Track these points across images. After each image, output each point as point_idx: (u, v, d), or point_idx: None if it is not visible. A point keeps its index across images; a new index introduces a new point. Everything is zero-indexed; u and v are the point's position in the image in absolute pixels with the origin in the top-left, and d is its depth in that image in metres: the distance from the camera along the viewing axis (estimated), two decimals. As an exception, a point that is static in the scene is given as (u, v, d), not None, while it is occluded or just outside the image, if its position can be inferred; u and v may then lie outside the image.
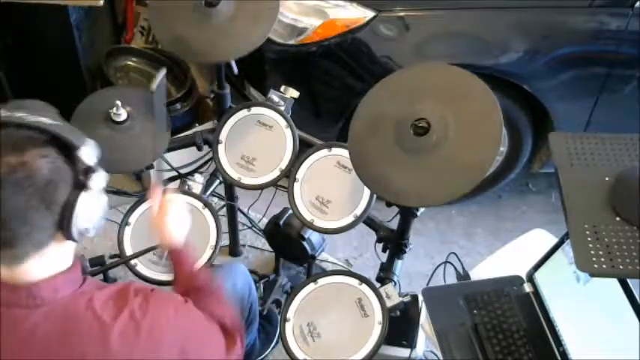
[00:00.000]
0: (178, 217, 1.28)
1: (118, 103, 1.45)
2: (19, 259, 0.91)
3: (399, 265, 1.52)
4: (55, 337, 0.92)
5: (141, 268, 1.47)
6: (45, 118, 0.90)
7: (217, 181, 1.72)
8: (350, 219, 1.44)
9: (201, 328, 1.07)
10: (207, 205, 1.54)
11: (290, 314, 1.41)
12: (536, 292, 1.50)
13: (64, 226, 0.91)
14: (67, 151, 0.91)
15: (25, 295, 0.92)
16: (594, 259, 1.05)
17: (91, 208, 0.95)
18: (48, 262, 0.94)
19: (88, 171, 0.94)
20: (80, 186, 0.92)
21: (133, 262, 1.47)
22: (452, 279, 1.64)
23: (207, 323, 1.09)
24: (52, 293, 0.93)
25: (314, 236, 1.80)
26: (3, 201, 0.85)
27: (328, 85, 2.27)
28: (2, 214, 0.86)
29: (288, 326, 1.39)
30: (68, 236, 0.93)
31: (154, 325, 0.96)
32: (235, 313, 1.23)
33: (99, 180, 0.96)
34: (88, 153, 0.94)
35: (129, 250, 1.48)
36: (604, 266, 1.04)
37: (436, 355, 1.73)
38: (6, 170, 0.84)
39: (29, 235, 0.89)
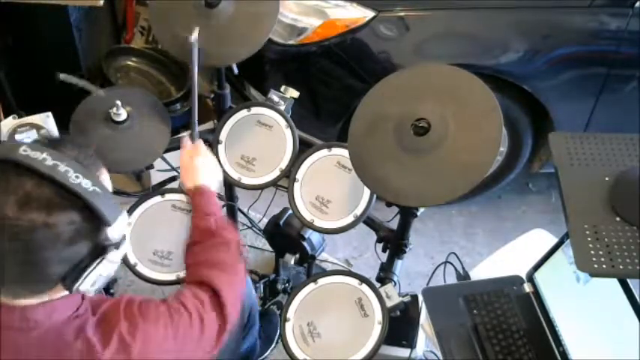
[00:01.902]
0: (209, 161, 1.27)
1: (118, 103, 1.45)
2: (15, 297, 0.90)
3: (399, 265, 1.52)
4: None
5: (141, 268, 1.47)
6: (87, 180, 0.85)
7: (217, 181, 1.72)
8: (350, 219, 1.44)
9: (191, 345, 1.05)
10: (207, 205, 1.54)
11: (290, 314, 1.40)
12: (536, 292, 1.50)
13: (66, 284, 0.89)
14: (97, 223, 0.87)
15: (19, 318, 0.90)
16: (594, 259, 1.05)
17: (100, 274, 0.92)
18: (44, 297, 0.92)
19: (110, 245, 0.91)
20: (97, 254, 0.90)
21: (132, 262, 1.46)
22: (452, 279, 1.64)
23: (198, 333, 1.06)
24: (46, 317, 0.91)
25: (314, 236, 1.80)
26: (13, 252, 0.83)
27: (328, 85, 2.27)
28: (6, 261, 0.84)
29: (288, 326, 1.39)
30: (68, 290, 0.91)
31: (143, 350, 0.94)
32: (238, 288, 1.20)
33: (117, 255, 0.93)
34: (117, 230, 0.91)
35: (129, 251, 1.48)
36: (604, 266, 1.04)
37: (436, 355, 1.73)
38: (28, 225, 0.81)
39: (29, 284, 0.88)
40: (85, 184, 0.84)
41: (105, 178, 0.95)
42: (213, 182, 1.34)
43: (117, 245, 0.92)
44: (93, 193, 0.85)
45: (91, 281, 0.91)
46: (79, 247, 0.87)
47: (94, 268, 0.90)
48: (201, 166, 1.30)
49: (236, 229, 1.27)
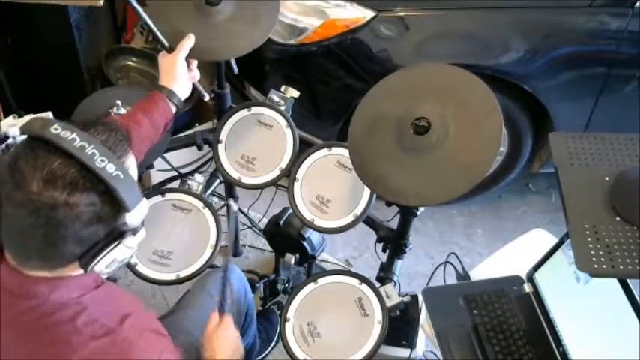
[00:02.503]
0: (233, 340, 1.25)
1: (118, 103, 1.45)
2: (29, 268, 0.91)
3: (399, 265, 1.52)
4: (35, 331, 0.92)
5: (141, 268, 1.47)
6: (112, 165, 0.86)
7: (217, 181, 1.72)
8: (350, 219, 1.44)
9: None
10: (207, 205, 1.54)
11: (290, 314, 1.41)
12: (536, 292, 1.50)
13: (82, 263, 0.91)
14: (117, 207, 0.89)
15: (18, 284, 0.91)
16: (594, 259, 1.05)
17: (115, 258, 0.93)
18: (55, 273, 0.93)
19: (128, 230, 0.93)
20: (115, 237, 0.92)
21: (133, 261, 1.46)
22: (452, 279, 1.64)
23: None
24: (46, 291, 0.92)
25: (314, 236, 1.80)
26: (33, 226, 0.84)
27: (328, 85, 2.27)
28: (27, 235, 0.86)
29: (288, 326, 1.39)
30: (83, 268, 0.92)
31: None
32: None
33: (134, 240, 0.95)
34: (136, 216, 0.92)
35: (129, 250, 1.48)
36: (604, 266, 1.04)
37: (436, 355, 1.73)
38: (49, 203, 0.83)
39: (46, 259, 0.90)
40: (110, 168, 0.86)
41: (131, 163, 0.96)
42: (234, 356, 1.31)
43: (134, 231, 0.94)
44: (116, 177, 0.86)
45: (106, 263, 0.92)
46: (96, 229, 0.89)
47: (110, 250, 0.92)
48: (225, 343, 1.26)
49: None
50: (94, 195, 0.86)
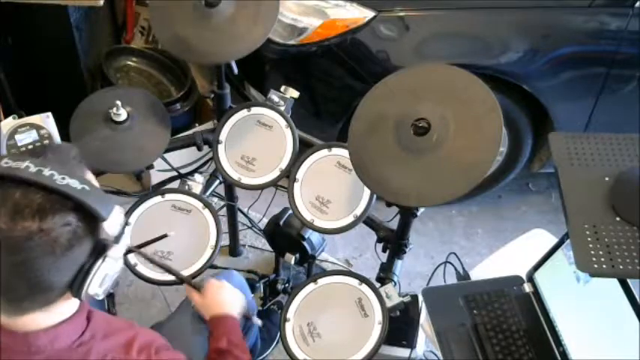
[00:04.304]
0: (235, 293, 1.33)
1: (118, 103, 1.45)
2: (21, 312, 0.88)
3: (399, 265, 1.52)
4: None
5: (141, 268, 1.47)
6: (74, 180, 0.83)
7: (217, 181, 1.72)
8: (350, 219, 1.44)
9: None
10: (207, 205, 1.54)
11: (290, 314, 1.41)
12: (536, 292, 1.50)
13: (74, 289, 0.88)
14: (92, 220, 0.86)
15: (21, 342, 0.89)
16: (594, 259, 1.05)
17: (105, 275, 0.91)
18: (52, 315, 0.91)
19: (110, 241, 0.91)
20: (97, 254, 0.89)
21: (132, 262, 1.46)
22: (452, 279, 1.64)
23: None
24: (48, 343, 0.90)
25: (314, 236, 1.80)
26: (15, 265, 0.81)
27: (328, 85, 2.27)
28: (11, 276, 0.82)
29: (288, 326, 1.39)
30: (77, 297, 0.90)
31: None
32: None
33: (118, 250, 0.92)
34: (113, 224, 0.89)
35: (129, 250, 1.48)
36: (604, 266, 1.04)
37: (436, 355, 1.73)
38: (23, 235, 0.79)
39: (37, 296, 0.87)
40: (73, 183, 0.83)
41: (90, 178, 0.92)
42: (237, 312, 1.36)
43: (116, 239, 0.91)
44: (82, 191, 0.83)
45: (98, 282, 0.89)
46: (79, 250, 0.86)
47: (99, 267, 0.89)
48: (228, 298, 1.34)
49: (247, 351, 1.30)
50: (65, 214, 0.82)
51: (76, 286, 0.87)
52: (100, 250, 0.89)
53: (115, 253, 0.91)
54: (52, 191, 0.81)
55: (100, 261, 0.89)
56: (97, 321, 0.97)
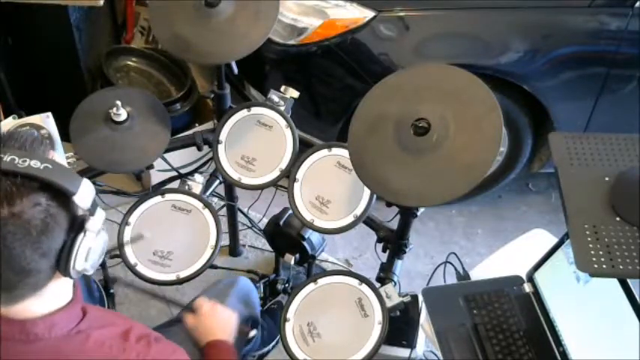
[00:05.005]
0: (227, 317, 1.36)
1: (118, 103, 1.45)
2: (15, 300, 0.89)
3: (399, 265, 1.52)
4: None
5: (141, 268, 1.47)
6: (36, 160, 0.83)
7: (217, 181, 1.72)
8: (350, 219, 1.44)
9: None
10: (207, 205, 1.54)
11: (290, 314, 1.41)
12: (536, 292, 1.50)
13: (61, 269, 0.89)
14: (62, 196, 0.86)
15: (19, 330, 0.89)
16: (594, 259, 1.05)
17: (89, 249, 0.91)
18: (46, 300, 0.91)
19: (85, 214, 0.90)
20: (77, 229, 0.89)
21: (133, 261, 1.46)
22: (452, 279, 1.64)
23: None
24: (46, 330, 0.90)
25: (314, 236, 1.80)
26: None
27: (328, 85, 2.27)
28: None
29: (288, 326, 1.39)
30: (67, 275, 0.90)
31: None
32: None
33: (96, 222, 0.92)
34: (84, 196, 0.88)
35: (129, 251, 1.48)
36: (604, 266, 1.04)
37: (436, 355, 1.73)
38: None
39: (26, 281, 0.87)
40: (35, 164, 0.83)
41: (55, 156, 0.91)
42: (229, 335, 1.39)
43: (91, 212, 0.91)
44: (45, 169, 0.83)
45: (83, 257, 0.90)
46: (56, 227, 0.86)
47: (81, 242, 0.89)
48: (221, 323, 1.37)
49: None
50: (33, 195, 0.82)
51: (62, 264, 0.88)
52: (78, 225, 0.89)
53: (93, 225, 0.91)
54: (15, 175, 0.82)
55: (82, 235, 0.89)
56: (92, 313, 0.98)
